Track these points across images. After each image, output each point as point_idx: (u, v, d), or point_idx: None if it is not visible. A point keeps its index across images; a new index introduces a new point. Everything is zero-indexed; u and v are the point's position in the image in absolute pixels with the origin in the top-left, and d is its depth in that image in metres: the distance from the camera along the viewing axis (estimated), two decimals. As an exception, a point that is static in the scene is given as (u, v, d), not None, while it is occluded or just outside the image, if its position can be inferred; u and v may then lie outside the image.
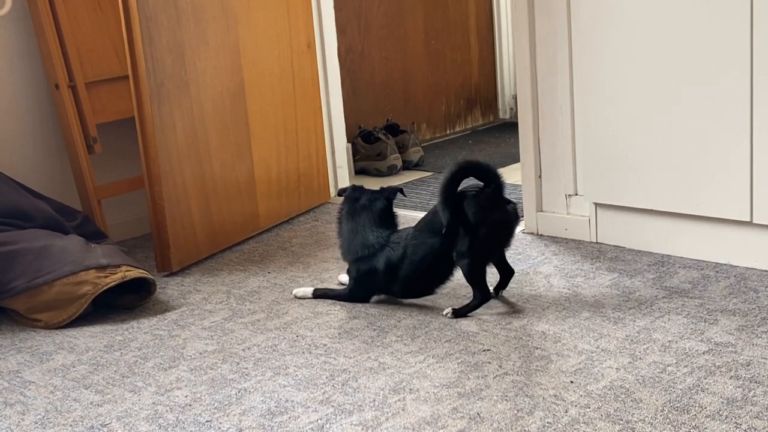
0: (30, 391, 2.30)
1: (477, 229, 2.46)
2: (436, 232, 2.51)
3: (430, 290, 2.64)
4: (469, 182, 2.53)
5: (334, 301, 2.72)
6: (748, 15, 2.53)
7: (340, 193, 2.76)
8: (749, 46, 2.55)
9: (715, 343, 2.26)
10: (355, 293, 2.68)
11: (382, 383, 2.18)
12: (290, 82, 3.56)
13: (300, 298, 2.76)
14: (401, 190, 2.71)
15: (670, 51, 2.71)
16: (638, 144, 2.84)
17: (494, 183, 2.48)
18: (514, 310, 2.55)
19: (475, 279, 2.52)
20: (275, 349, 2.43)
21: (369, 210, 2.65)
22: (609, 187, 2.95)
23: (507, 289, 2.67)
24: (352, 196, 2.71)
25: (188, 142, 3.12)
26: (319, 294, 2.75)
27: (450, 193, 2.47)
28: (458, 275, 2.60)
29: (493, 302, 2.60)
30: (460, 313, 2.52)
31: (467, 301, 2.55)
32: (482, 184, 2.50)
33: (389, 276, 2.60)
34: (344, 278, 2.81)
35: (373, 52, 4.58)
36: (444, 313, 2.53)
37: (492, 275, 2.61)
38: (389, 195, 2.68)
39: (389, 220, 2.67)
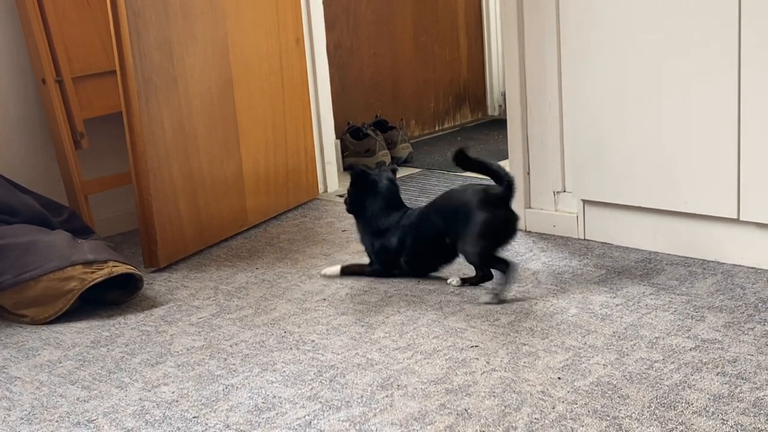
0: (16, 387, 2.29)
1: (483, 218, 2.57)
2: (440, 215, 2.67)
3: (434, 267, 2.79)
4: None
5: (339, 284, 2.73)
6: (735, 13, 2.54)
7: (347, 167, 2.95)
8: (737, 44, 2.56)
9: (702, 340, 2.26)
10: (380, 264, 2.80)
11: (370, 379, 2.18)
12: (279, 78, 3.55)
13: (329, 276, 2.85)
14: (395, 170, 2.92)
15: (658, 48, 2.72)
16: (626, 141, 2.84)
17: (506, 187, 2.59)
18: (501, 306, 2.56)
19: (483, 263, 2.64)
20: (263, 345, 2.43)
21: (383, 190, 2.79)
22: (597, 184, 2.96)
23: (494, 285, 2.67)
24: (363, 176, 2.83)
25: (176, 138, 3.11)
26: (348, 271, 2.85)
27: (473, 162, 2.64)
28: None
29: (480, 299, 2.61)
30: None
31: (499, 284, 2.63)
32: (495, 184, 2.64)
33: (400, 250, 2.75)
34: None
35: (362, 49, 4.57)
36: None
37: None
38: (390, 174, 2.86)
39: (397, 196, 2.82)
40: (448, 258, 2.74)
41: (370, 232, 2.80)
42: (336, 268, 2.85)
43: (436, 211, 2.71)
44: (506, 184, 2.59)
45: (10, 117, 3.26)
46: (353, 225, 3.37)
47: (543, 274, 2.77)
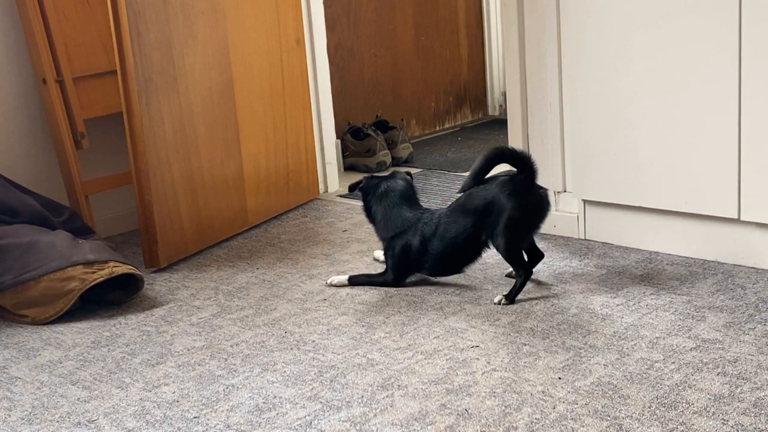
0: (17, 387, 2.29)
1: (512, 210, 2.54)
2: (469, 213, 2.61)
3: (458, 269, 2.72)
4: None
5: (343, 292, 2.73)
6: (736, 15, 2.54)
7: (353, 187, 2.84)
8: (737, 45, 2.56)
9: (702, 340, 2.26)
10: (395, 273, 2.74)
11: (371, 379, 2.18)
12: (279, 78, 3.55)
13: (336, 286, 2.79)
14: (410, 173, 2.87)
15: (659, 49, 2.72)
16: (627, 141, 2.84)
17: (528, 169, 2.58)
18: (502, 306, 2.56)
19: (514, 257, 2.60)
20: (263, 346, 2.43)
21: (395, 191, 2.75)
22: (597, 184, 2.96)
23: (495, 285, 2.68)
24: (372, 183, 2.79)
25: (176, 138, 3.11)
26: (356, 281, 2.79)
27: (481, 168, 2.60)
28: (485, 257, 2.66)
29: (481, 299, 2.61)
30: (510, 297, 2.57)
31: (511, 286, 2.60)
32: (515, 170, 2.61)
33: (423, 251, 2.68)
34: (379, 254, 2.89)
35: (362, 49, 4.57)
36: (496, 301, 2.57)
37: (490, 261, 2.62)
38: (405, 176, 2.82)
39: (414, 198, 2.78)
40: (474, 257, 2.69)
41: (389, 236, 2.72)
42: (343, 278, 2.80)
43: (464, 211, 2.63)
44: (529, 167, 2.58)
45: (10, 117, 3.26)
46: (353, 225, 3.38)
47: (543, 274, 2.77)
